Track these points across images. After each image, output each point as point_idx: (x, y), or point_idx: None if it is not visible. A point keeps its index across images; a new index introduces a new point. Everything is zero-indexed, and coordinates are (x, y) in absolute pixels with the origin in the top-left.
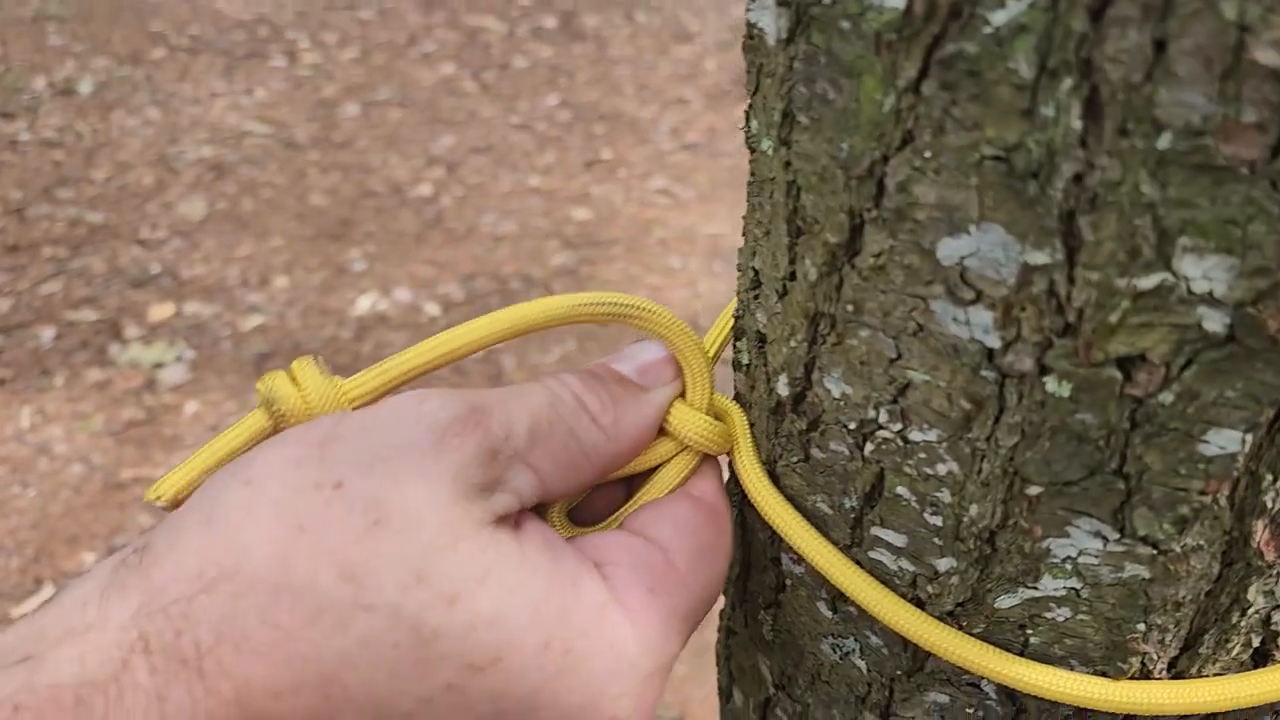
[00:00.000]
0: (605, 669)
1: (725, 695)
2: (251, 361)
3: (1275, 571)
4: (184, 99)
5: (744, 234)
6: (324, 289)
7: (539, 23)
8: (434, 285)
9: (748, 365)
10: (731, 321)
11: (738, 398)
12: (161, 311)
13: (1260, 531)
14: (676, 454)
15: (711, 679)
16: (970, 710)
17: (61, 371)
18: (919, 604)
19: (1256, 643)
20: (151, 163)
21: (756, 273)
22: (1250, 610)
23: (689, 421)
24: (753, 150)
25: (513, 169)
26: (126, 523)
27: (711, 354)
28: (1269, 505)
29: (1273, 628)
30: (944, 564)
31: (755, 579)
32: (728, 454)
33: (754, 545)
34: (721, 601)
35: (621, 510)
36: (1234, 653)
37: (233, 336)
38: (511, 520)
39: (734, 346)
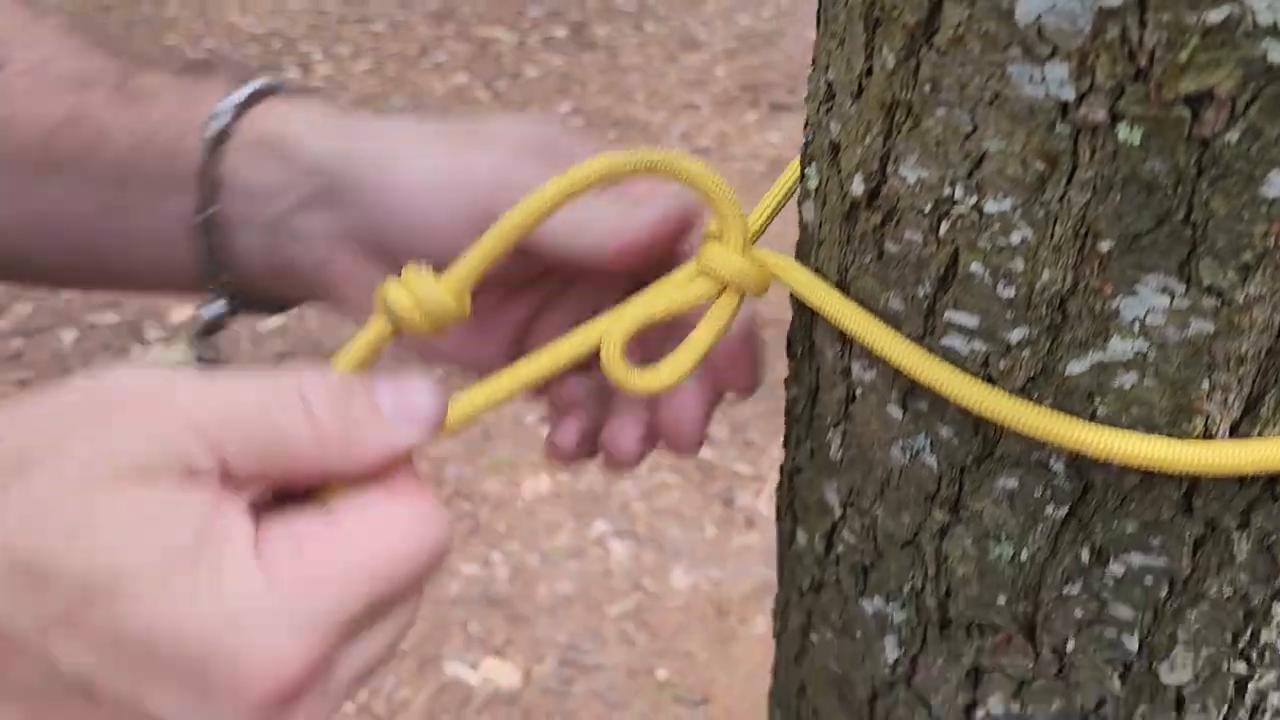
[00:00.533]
0: (226, 617)
1: (788, 540)
2: (270, 361)
3: None
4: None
5: (814, 57)
6: None
7: (550, 33)
8: None
9: (817, 186)
10: (777, 196)
11: (802, 231)
12: (182, 313)
13: None
14: (717, 295)
15: (737, 665)
16: (1038, 493)
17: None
18: (990, 384)
19: None
20: None
21: (829, 85)
22: None
23: (727, 261)
24: None
25: None
26: None
27: (764, 220)
28: None
29: None
30: (1016, 335)
31: (823, 399)
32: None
33: (822, 366)
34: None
35: (674, 355)
36: None
37: (252, 337)
38: (171, 478)
39: (802, 177)
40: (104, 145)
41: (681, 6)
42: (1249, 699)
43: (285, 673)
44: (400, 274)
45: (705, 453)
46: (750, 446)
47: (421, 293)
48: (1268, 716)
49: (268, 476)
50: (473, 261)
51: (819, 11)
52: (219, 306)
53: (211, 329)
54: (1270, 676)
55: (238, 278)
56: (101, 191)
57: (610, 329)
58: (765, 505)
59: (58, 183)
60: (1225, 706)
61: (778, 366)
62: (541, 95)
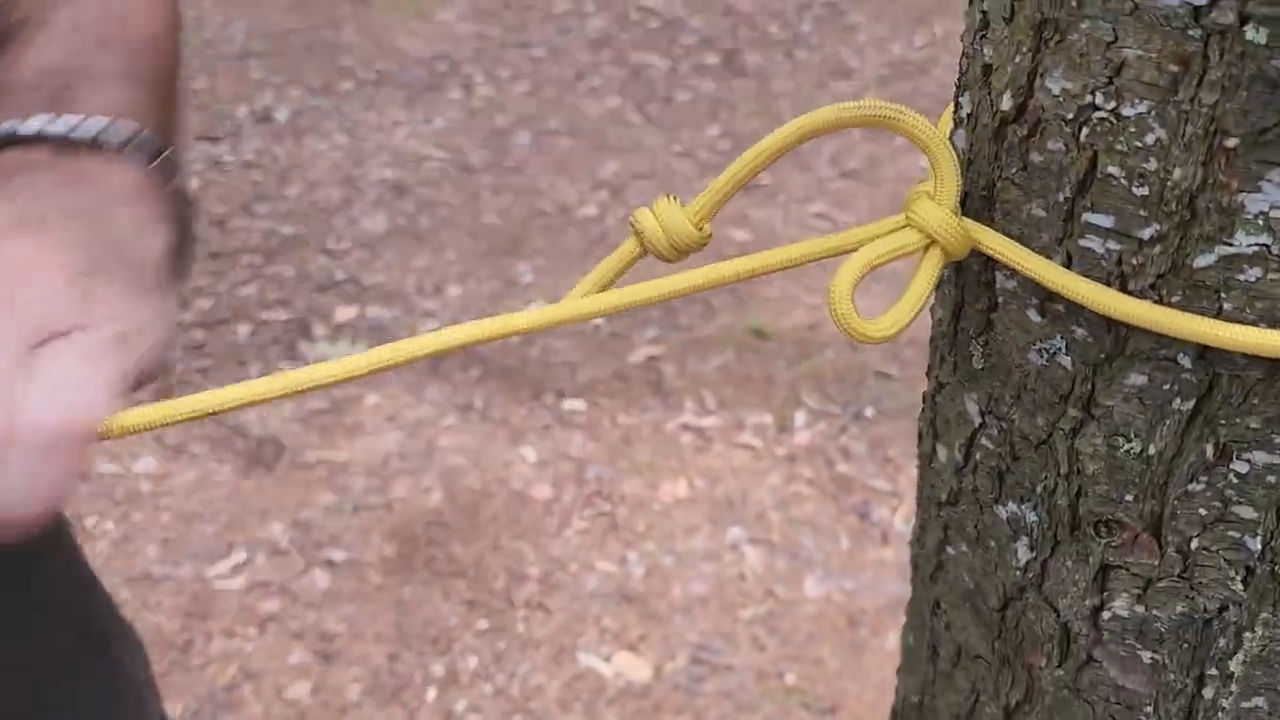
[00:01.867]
0: None
1: (927, 459)
2: (426, 361)
3: None
4: (369, 126)
5: None
6: (494, 298)
7: (701, 60)
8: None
9: (970, 113)
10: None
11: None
12: (345, 313)
13: None
14: (923, 249)
15: (867, 676)
16: (1166, 387)
17: (256, 363)
18: (1123, 281)
19: None
20: (339, 182)
21: (984, 15)
22: None
23: (937, 217)
24: None
25: (674, 193)
26: (310, 499)
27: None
28: None
29: None
30: (1148, 232)
31: (967, 312)
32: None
33: (966, 279)
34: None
35: (895, 307)
36: None
37: (410, 337)
38: None
39: (956, 107)
40: None
41: (834, 35)
42: None
43: None
44: None
45: (842, 466)
46: (889, 463)
47: (668, 221)
48: None
49: None
50: (714, 195)
51: None
52: None
53: None
54: None
55: None
56: None
57: (840, 279)
58: (901, 522)
59: None
60: None
61: (917, 385)
62: (692, 119)
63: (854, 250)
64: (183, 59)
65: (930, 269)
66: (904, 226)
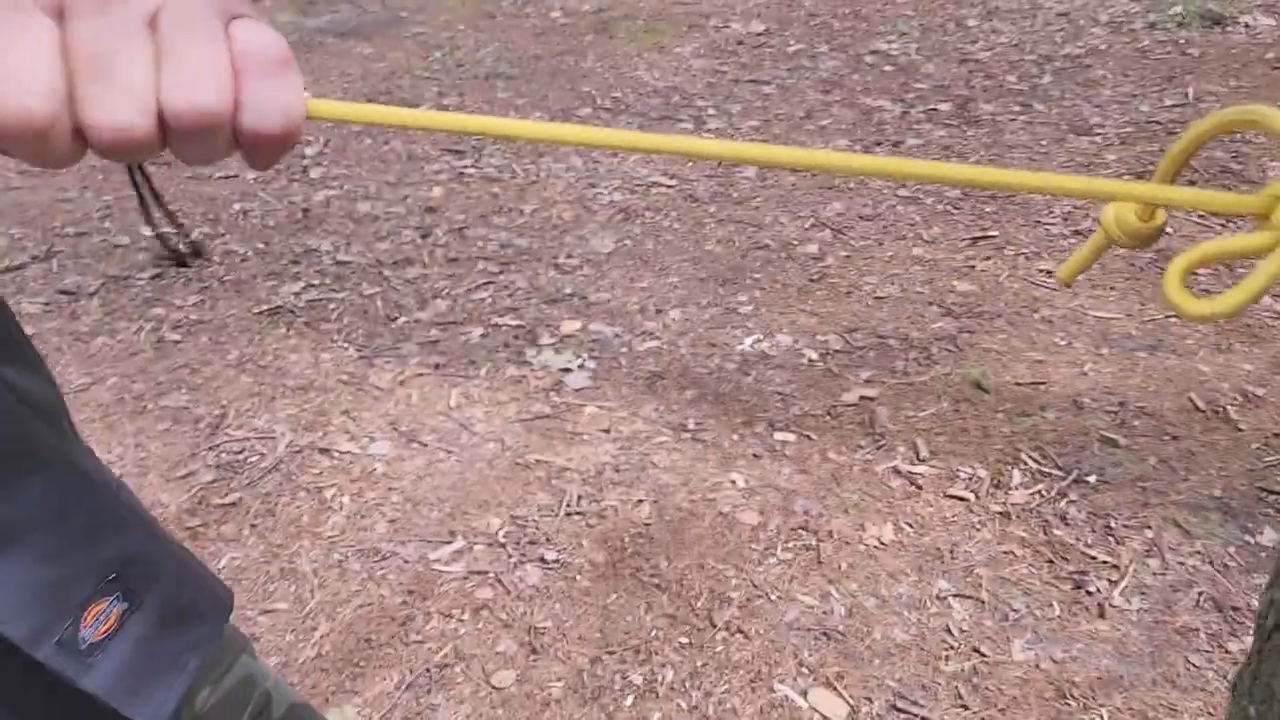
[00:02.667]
0: None
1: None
2: (644, 379)
3: None
4: (603, 151)
5: None
6: (713, 324)
7: (933, 106)
8: (814, 333)
9: None
10: None
11: None
12: (571, 326)
13: None
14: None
15: None
16: None
17: (485, 364)
18: None
19: None
20: (571, 201)
21: None
22: None
23: None
24: None
25: (898, 237)
26: (527, 498)
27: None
28: None
29: None
30: None
31: None
32: None
33: None
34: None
35: (1232, 290)
36: None
37: (629, 355)
38: None
39: None
40: None
41: (1076, 90)
42: None
43: None
44: None
45: (1059, 531)
46: (1110, 534)
47: (1119, 213)
48: None
49: None
50: (1150, 188)
51: None
52: None
53: None
54: None
55: None
56: None
57: (1175, 263)
58: (1121, 597)
59: None
60: None
61: (1145, 455)
62: None
63: (1176, 201)
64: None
65: (1276, 262)
66: (1262, 226)
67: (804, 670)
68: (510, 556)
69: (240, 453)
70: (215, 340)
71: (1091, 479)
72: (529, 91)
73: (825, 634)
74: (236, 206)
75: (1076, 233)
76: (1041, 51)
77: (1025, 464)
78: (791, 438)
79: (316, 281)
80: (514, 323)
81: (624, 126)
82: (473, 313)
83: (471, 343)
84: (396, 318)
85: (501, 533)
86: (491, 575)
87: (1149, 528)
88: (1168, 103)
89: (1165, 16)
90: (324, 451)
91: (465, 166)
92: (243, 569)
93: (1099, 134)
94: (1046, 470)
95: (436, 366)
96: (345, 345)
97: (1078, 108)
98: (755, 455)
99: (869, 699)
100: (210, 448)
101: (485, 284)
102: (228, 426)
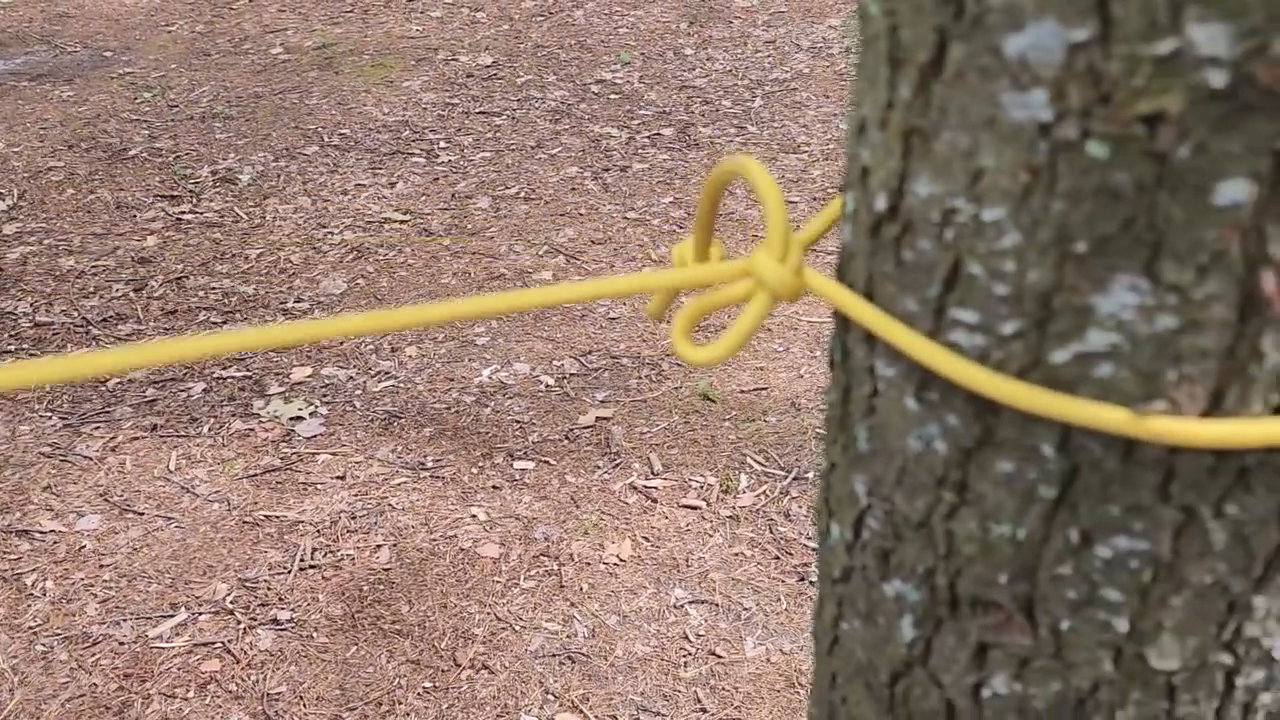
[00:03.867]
0: None
1: (823, 536)
2: (380, 420)
3: None
4: (332, 190)
5: (852, 101)
6: (450, 358)
7: (657, 131)
8: (551, 359)
9: (854, 210)
10: (825, 220)
11: (842, 250)
12: (301, 372)
13: (1269, 282)
14: (754, 294)
15: None
16: (1032, 475)
17: (208, 421)
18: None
19: (1275, 401)
20: (300, 244)
21: (863, 120)
22: (1266, 362)
23: (769, 270)
24: (863, 19)
25: (628, 258)
26: (257, 557)
27: (811, 236)
28: (1275, 257)
29: None
30: (1009, 328)
31: (854, 396)
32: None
33: (853, 366)
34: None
35: (723, 338)
36: (1255, 408)
37: (364, 396)
38: None
39: (842, 206)
40: None
41: (784, 111)
42: (1239, 695)
43: None
44: None
45: (784, 528)
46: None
47: (683, 257)
48: (1260, 717)
49: None
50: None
51: (858, 59)
52: None
53: None
54: (1259, 675)
55: None
56: None
57: (679, 319)
58: None
59: None
60: (1216, 701)
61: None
62: (646, 187)
63: (691, 285)
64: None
65: (757, 309)
66: (745, 277)
67: (550, 697)
68: (239, 622)
69: None
70: None
71: (810, 475)
72: (250, 132)
73: (570, 658)
74: None
75: None
76: (753, 77)
77: (751, 467)
78: (531, 465)
79: (12, 347)
80: (239, 374)
81: (354, 163)
82: (193, 367)
83: (192, 399)
84: (107, 379)
85: (229, 598)
86: (219, 645)
87: None
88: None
89: (859, 43)
90: (23, 534)
91: (182, 212)
92: None
93: (805, 151)
94: (770, 471)
95: (154, 428)
96: (48, 414)
97: (786, 128)
98: (495, 486)
99: (613, 716)
100: None
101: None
102: None
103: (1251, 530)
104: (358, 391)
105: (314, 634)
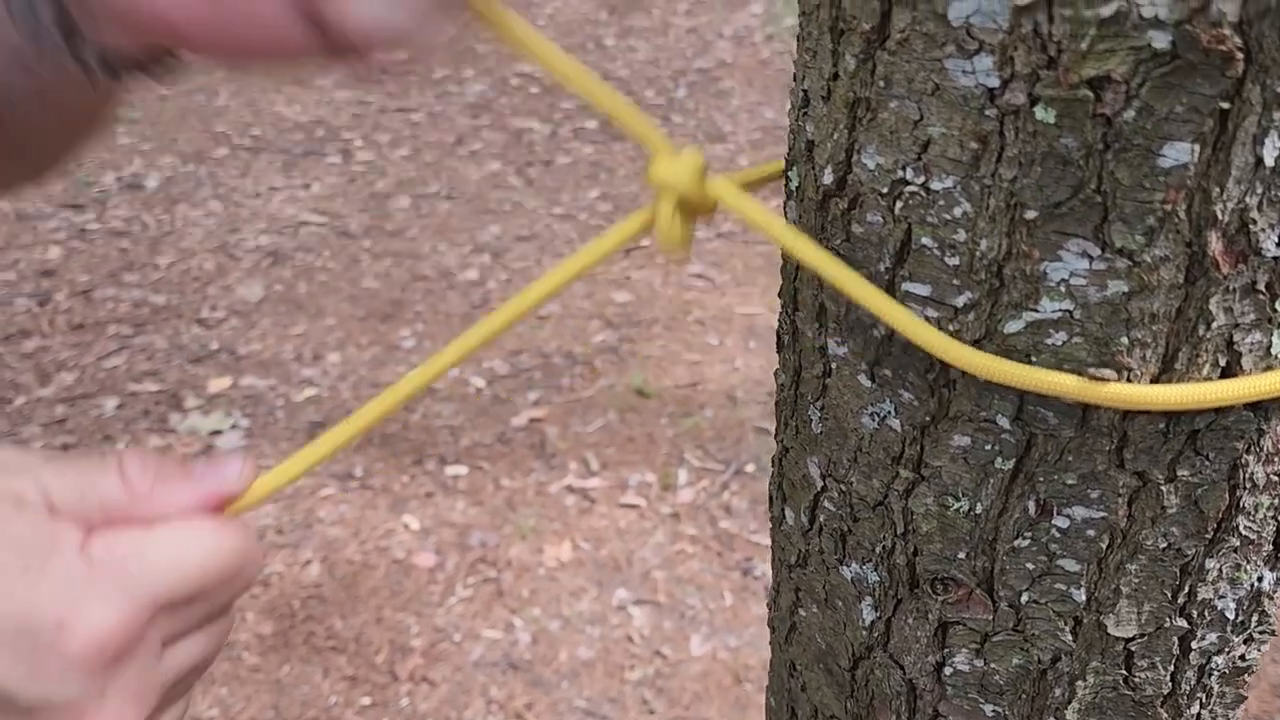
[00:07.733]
0: (52, 593)
1: (777, 522)
2: (304, 430)
3: (1232, 287)
4: (245, 193)
5: (795, 74)
6: (375, 364)
7: (580, 124)
8: (480, 360)
9: (798, 186)
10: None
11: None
12: (220, 384)
13: (1214, 243)
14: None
15: None
16: (988, 447)
17: (123, 438)
18: None
19: (1223, 363)
20: (213, 250)
21: (805, 94)
22: (1214, 324)
23: (661, 166)
24: None
25: (556, 255)
26: None
27: (746, 178)
28: (1219, 217)
29: (1235, 349)
30: (961, 300)
31: (805, 377)
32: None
33: (803, 346)
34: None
35: None
36: (1204, 371)
37: (287, 407)
38: (6, 505)
39: (785, 183)
40: None
41: (709, 101)
42: (1194, 659)
43: (101, 632)
44: None
45: (725, 523)
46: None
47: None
48: (1214, 679)
49: (85, 511)
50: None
51: (799, 32)
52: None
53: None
54: (1212, 637)
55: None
56: None
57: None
58: None
59: None
60: (1172, 664)
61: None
62: (572, 181)
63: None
64: None
65: (665, 207)
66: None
67: (493, 707)
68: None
69: None
70: None
71: (750, 468)
72: (155, 135)
73: (512, 665)
74: None
75: (719, 235)
76: (675, 66)
77: (690, 463)
78: (464, 470)
79: None
80: (154, 388)
81: (266, 164)
82: (105, 382)
83: (105, 416)
84: (13, 399)
85: None
86: None
87: None
88: (789, 108)
89: (781, 29)
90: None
91: (87, 222)
92: None
93: (732, 141)
94: (709, 466)
95: (64, 448)
96: None
97: (712, 118)
98: (428, 494)
99: None
100: None
101: (118, 349)
102: None
103: (1203, 493)
104: (280, 402)
105: (244, 654)
